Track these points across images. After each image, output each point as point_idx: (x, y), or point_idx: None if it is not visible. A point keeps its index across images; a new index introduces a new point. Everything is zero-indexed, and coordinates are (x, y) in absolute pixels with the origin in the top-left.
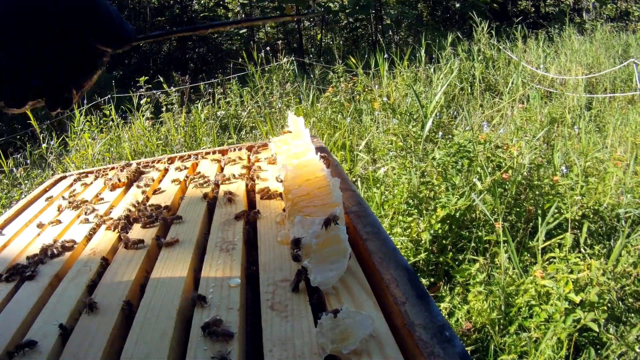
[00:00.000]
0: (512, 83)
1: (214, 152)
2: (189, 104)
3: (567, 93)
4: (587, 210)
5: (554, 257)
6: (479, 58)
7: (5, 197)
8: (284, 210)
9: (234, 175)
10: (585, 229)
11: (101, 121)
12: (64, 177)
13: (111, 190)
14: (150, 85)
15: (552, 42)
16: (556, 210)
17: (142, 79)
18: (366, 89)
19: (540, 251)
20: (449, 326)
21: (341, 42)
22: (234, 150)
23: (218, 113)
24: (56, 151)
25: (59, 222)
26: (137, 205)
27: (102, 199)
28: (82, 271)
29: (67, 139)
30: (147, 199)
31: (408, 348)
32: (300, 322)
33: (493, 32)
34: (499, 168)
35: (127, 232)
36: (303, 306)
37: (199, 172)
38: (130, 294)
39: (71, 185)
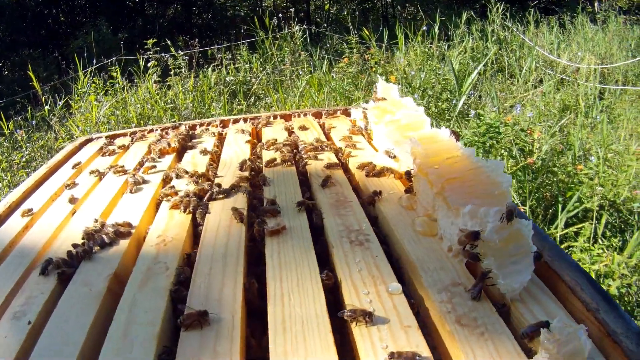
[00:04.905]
0: (527, 67)
1: (274, 117)
2: (197, 69)
3: (579, 81)
4: (604, 201)
5: (572, 246)
6: (492, 39)
7: (5, 160)
8: (406, 191)
9: (316, 145)
10: (604, 220)
11: (107, 84)
12: (90, 140)
13: (159, 157)
14: (158, 48)
15: (564, 29)
16: (575, 199)
17: (150, 41)
18: (380, 62)
19: (559, 239)
20: None
21: (349, 13)
22: (298, 116)
23: (227, 79)
24: (59, 114)
25: (99, 196)
26: (204, 178)
27: (154, 166)
28: (157, 271)
29: (70, 102)
30: (210, 171)
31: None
32: (502, 342)
33: (507, 14)
34: (522, 152)
35: (204, 213)
36: (494, 318)
37: (269, 140)
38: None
39: (101, 149)
